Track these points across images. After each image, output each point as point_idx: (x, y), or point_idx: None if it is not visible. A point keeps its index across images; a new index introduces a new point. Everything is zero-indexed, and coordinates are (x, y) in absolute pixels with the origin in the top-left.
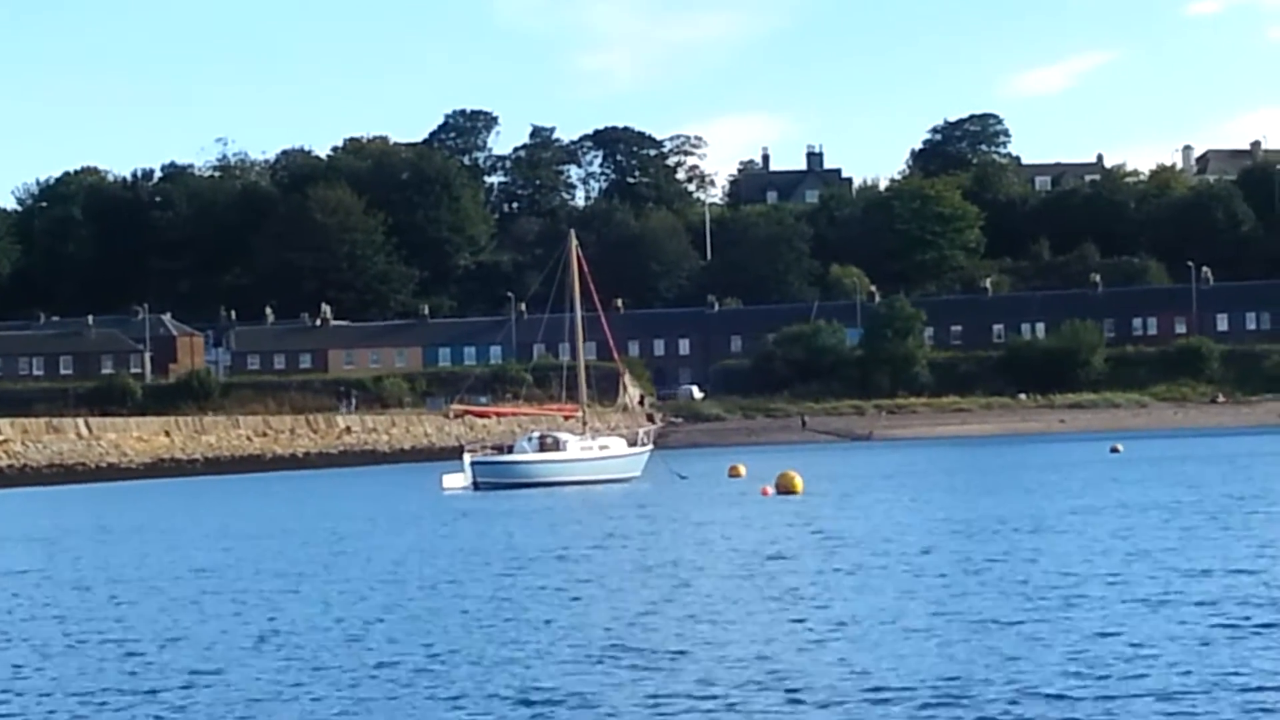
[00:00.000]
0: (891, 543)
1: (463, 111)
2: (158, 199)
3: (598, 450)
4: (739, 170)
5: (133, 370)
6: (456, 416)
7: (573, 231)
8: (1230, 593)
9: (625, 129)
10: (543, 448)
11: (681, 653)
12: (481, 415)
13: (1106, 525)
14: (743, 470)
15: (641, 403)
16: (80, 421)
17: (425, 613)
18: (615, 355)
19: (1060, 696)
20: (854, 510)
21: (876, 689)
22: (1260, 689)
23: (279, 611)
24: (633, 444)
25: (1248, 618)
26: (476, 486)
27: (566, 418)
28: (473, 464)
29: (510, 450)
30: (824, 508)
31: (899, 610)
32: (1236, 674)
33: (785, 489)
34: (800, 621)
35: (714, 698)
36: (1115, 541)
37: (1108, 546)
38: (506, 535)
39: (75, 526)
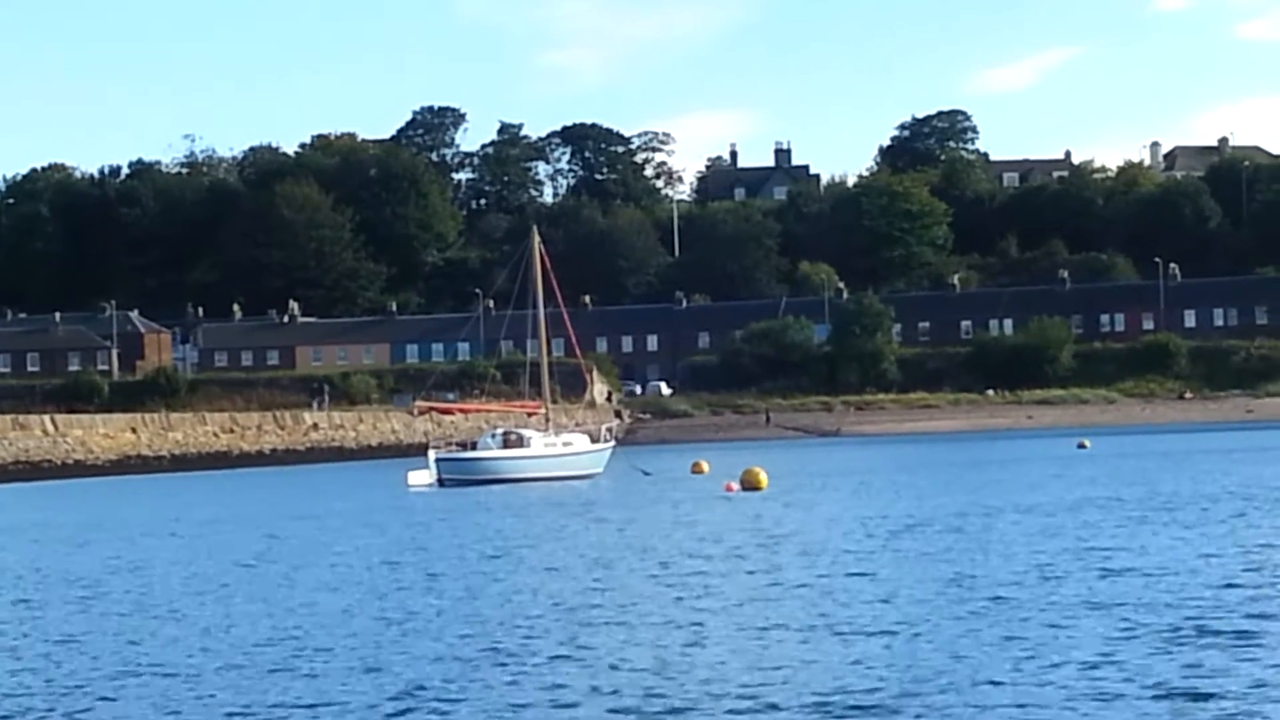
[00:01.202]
0: (822, 542)
1: (430, 108)
2: (125, 196)
3: (561, 447)
4: (707, 167)
5: (100, 367)
6: (421, 413)
7: (535, 228)
8: (1133, 596)
9: (593, 125)
10: (506, 444)
11: (556, 657)
12: (446, 412)
13: (1038, 524)
14: (705, 466)
15: (609, 399)
16: (46, 418)
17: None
18: (578, 352)
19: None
20: (799, 508)
21: (721, 695)
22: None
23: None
24: (595, 440)
25: (1145, 624)
26: (441, 483)
27: (530, 414)
28: (437, 461)
29: (474, 447)
30: (770, 505)
31: (788, 614)
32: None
33: (750, 485)
34: (695, 625)
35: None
36: (1040, 540)
37: (1030, 545)
38: (426, 533)
39: (12, 524)
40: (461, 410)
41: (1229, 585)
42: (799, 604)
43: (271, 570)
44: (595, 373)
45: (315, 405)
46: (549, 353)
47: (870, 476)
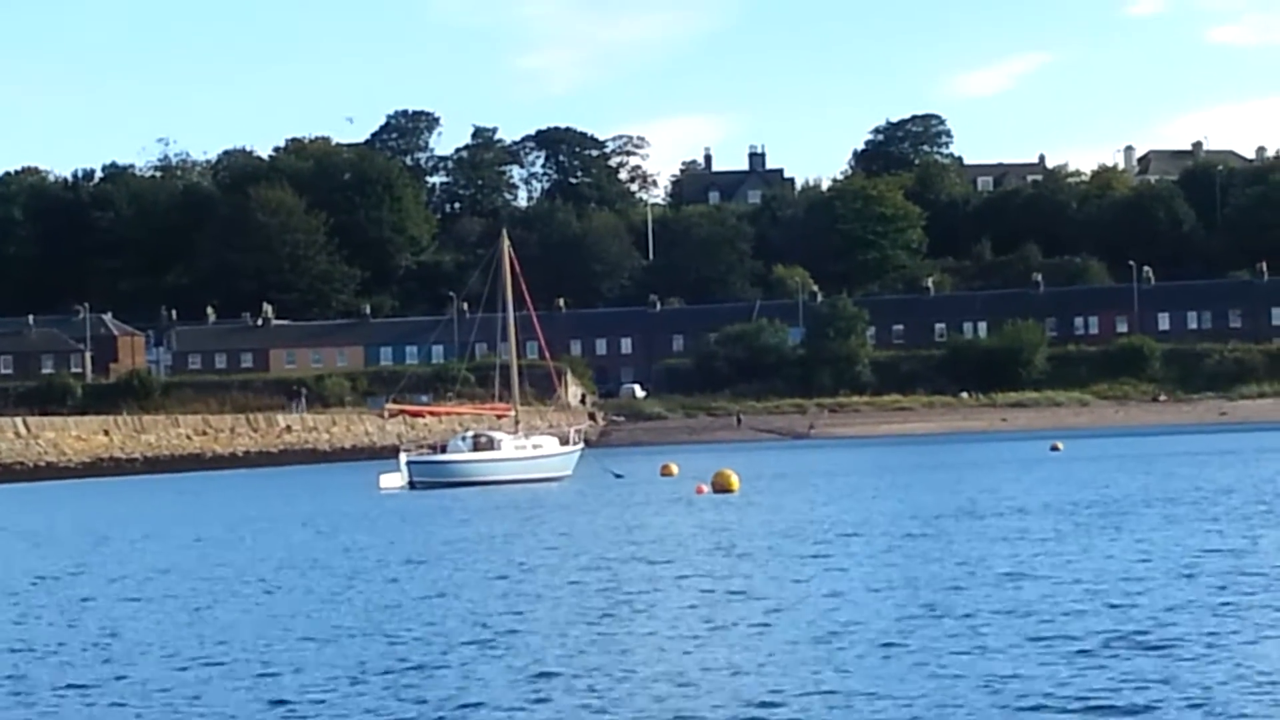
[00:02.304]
0: (767, 547)
1: (404, 112)
2: (99, 199)
3: (531, 449)
4: (681, 170)
5: (73, 370)
6: (392, 416)
7: (505, 232)
8: (1028, 604)
9: (567, 129)
10: (477, 447)
11: (444, 666)
12: (416, 414)
13: (980, 529)
14: (674, 469)
15: (584, 401)
16: (18, 420)
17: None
18: (547, 355)
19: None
20: (752, 512)
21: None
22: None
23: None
24: (564, 443)
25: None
26: (413, 486)
27: (500, 417)
28: (408, 463)
29: (444, 449)
30: (725, 509)
31: (676, 620)
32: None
33: (722, 488)
34: (606, 634)
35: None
36: (976, 546)
37: (959, 552)
38: (349, 538)
39: None
40: (431, 413)
41: (1138, 595)
42: (702, 609)
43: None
44: (569, 375)
45: (294, 407)
46: (519, 356)
47: (837, 479)
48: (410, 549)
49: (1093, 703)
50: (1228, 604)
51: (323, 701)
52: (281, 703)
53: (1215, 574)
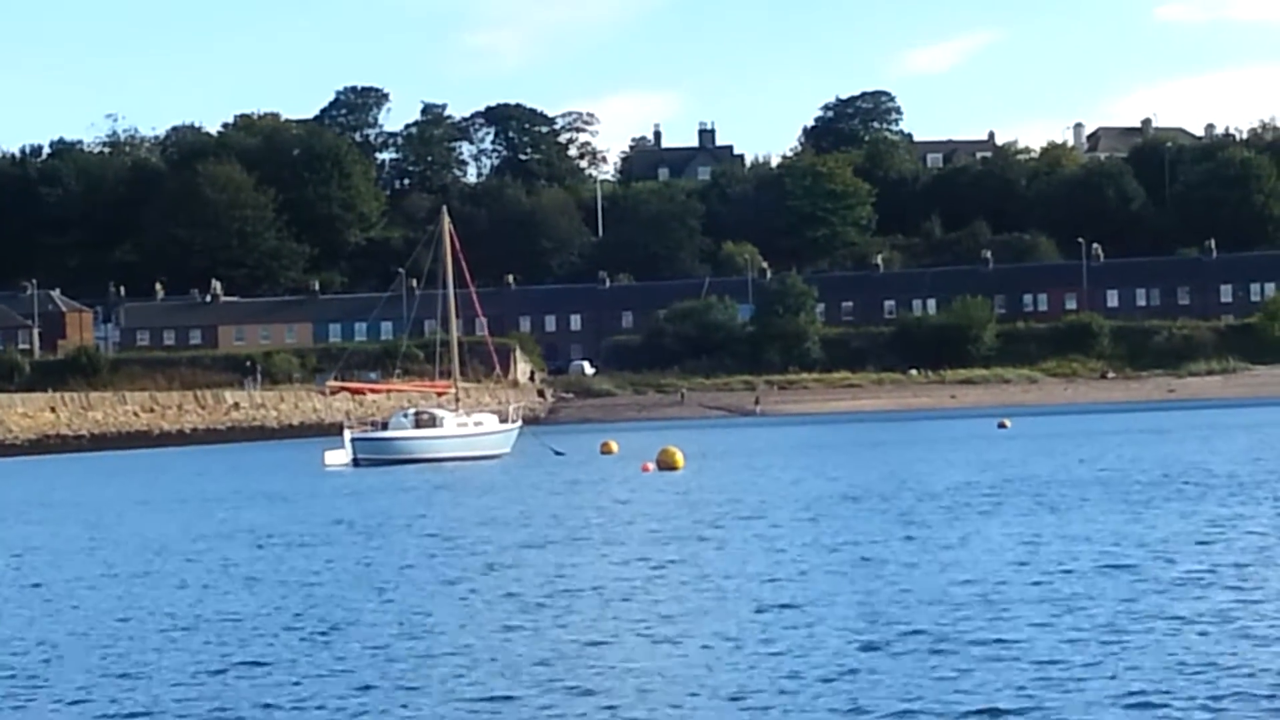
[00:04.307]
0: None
1: (354, 88)
2: (47, 175)
3: (473, 426)
4: (631, 147)
5: (21, 346)
6: (333, 393)
7: (444, 209)
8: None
9: (517, 106)
10: (419, 424)
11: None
12: (358, 392)
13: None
14: (614, 446)
15: (532, 378)
16: None
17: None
18: (486, 331)
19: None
20: (659, 491)
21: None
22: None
23: None
24: (504, 420)
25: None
26: (357, 463)
27: (440, 394)
28: (352, 440)
29: (386, 427)
30: (645, 486)
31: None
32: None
33: (667, 465)
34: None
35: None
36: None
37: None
38: (253, 517)
39: None
40: (373, 390)
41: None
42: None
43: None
44: (519, 352)
45: (247, 384)
46: (468, 333)
47: (776, 457)
48: (302, 530)
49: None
50: (998, 604)
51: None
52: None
53: (1040, 569)
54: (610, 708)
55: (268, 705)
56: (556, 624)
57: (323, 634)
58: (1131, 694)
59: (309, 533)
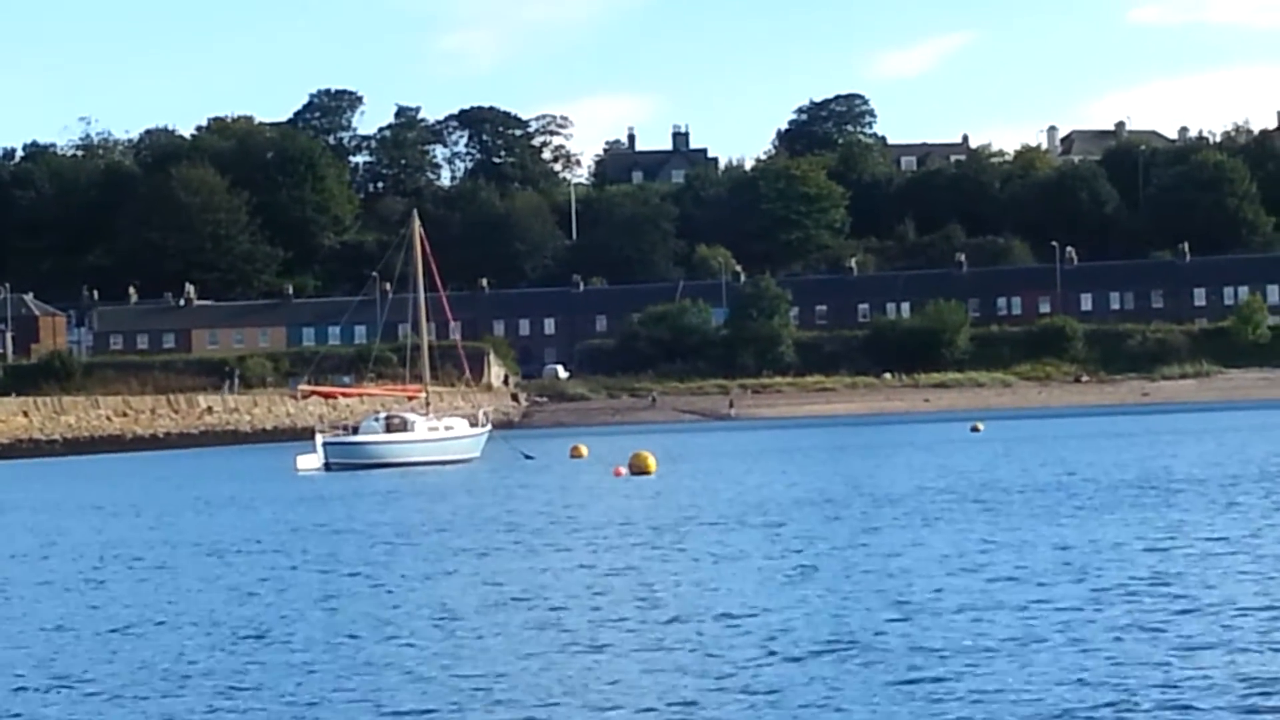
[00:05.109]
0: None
1: (327, 91)
2: (19, 178)
3: (443, 431)
4: (605, 150)
5: None
6: (305, 397)
7: (415, 212)
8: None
9: (490, 109)
10: (390, 428)
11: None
12: (329, 396)
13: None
14: (584, 451)
15: (506, 382)
16: None
17: None
18: (457, 335)
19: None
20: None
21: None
22: None
23: None
24: (473, 425)
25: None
26: (328, 467)
27: (410, 398)
28: (324, 445)
29: (356, 431)
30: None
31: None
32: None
33: (639, 469)
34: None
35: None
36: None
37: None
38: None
39: None
40: (344, 394)
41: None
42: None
43: None
44: (492, 356)
45: (225, 389)
46: (443, 337)
47: (744, 461)
48: (249, 535)
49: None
50: (931, 612)
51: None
52: None
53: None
54: None
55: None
56: (478, 635)
57: (232, 644)
58: (1039, 703)
59: (251, 539)
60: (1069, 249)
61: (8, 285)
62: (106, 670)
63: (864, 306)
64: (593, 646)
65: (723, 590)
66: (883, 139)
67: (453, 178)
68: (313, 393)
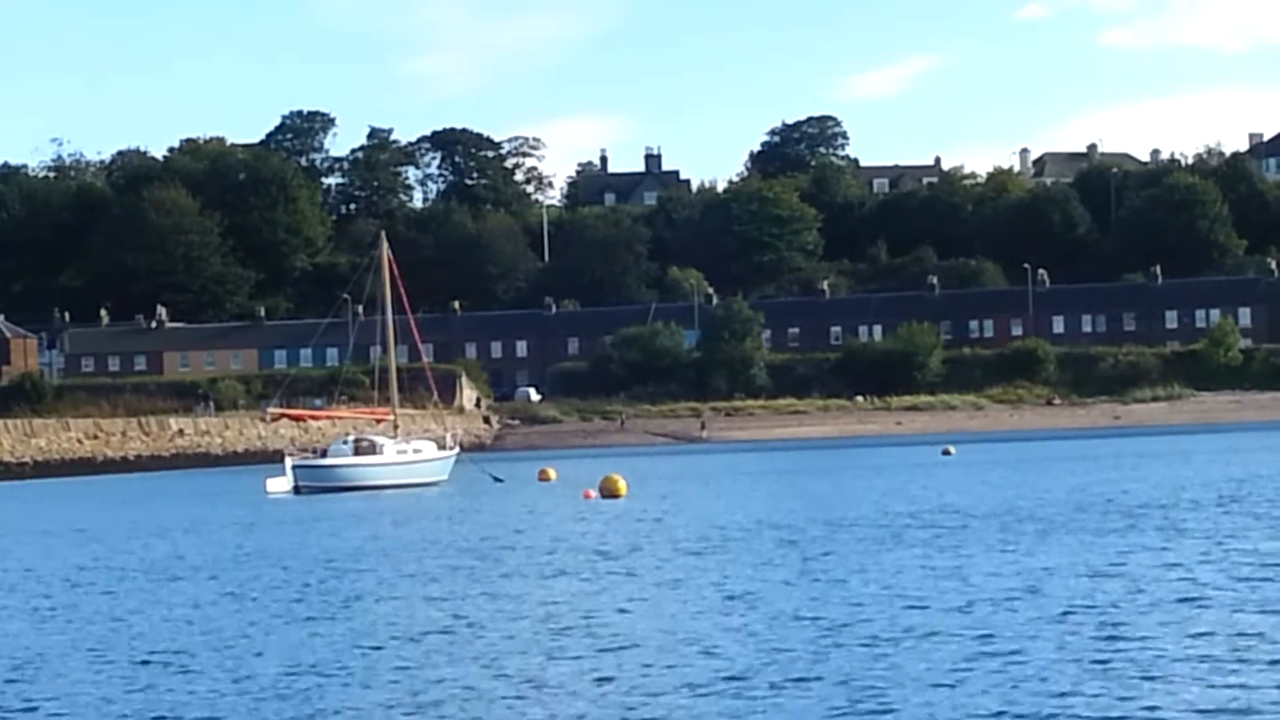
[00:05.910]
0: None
1: (299, 113)
2: None
3: (411, 454)
4: (577, 172)
5: None
6: (274, 420)
7: (383, 234)
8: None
9: (463, 130)
10: (358, 451)
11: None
12: (298, 418)
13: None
14: (552, 474)
15: (478, 405)
16: None
17: None
18: (424, 358)
19: None
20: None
21: None
22: None
23: None
24: (441, 447)
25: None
26: (298, 490)
27: (379, 421)
28: (294, 468)
29: (324, 455)
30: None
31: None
32: None
33: (609, 493)
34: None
35: None
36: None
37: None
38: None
39: None
40: (313, 416)
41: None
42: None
43: None
44: (465, 378)
45: (199, 410)
46: (400, 358)
47: (706, 485)
48: (198, 562)
49: None
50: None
51: None
52: None
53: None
54: None
55: None
56: (399, 663)
57: (167, 666)
58: None
59: (198, 566)
60: (1041, 271)
61: None
62: None
63: (836, 329)
64: (524, 678)
65: (664, 617)
66: (855, 161)
67: (425, 199)
68: (282, 415)
